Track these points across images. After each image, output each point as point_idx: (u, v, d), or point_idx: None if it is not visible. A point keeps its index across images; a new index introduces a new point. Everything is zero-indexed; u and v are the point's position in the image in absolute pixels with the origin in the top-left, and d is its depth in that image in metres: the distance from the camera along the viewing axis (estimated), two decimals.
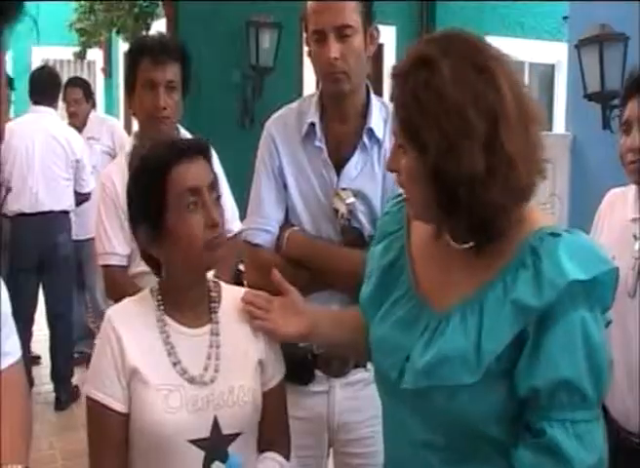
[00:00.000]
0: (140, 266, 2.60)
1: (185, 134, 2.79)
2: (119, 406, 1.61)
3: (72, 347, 5.37)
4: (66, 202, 5.03)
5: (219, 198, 1.66)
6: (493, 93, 1.27)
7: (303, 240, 2.19)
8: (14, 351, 1.51)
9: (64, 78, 6.13)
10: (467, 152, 1.25)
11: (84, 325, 5.81)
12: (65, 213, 5.03)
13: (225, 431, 1.62)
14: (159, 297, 1.70)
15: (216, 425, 1.61)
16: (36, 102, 5.08)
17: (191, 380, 1.62)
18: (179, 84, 2.63)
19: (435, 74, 1.26)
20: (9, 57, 11.78)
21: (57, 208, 4.97)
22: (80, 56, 9.52)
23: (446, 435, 1.36)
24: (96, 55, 10.78)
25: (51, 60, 11.03)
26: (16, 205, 4.90)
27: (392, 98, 1.35)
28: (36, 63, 11.64)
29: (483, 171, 1.25)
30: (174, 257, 1.66)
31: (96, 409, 1.63)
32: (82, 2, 8.70)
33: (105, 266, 2.66)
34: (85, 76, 7.54)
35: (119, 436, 1.62)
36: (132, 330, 1.64)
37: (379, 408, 2.17)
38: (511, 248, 1.32)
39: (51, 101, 5.11)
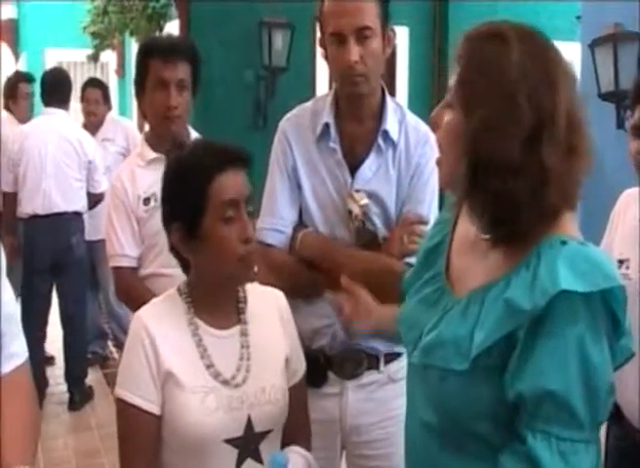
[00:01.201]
0: (151, 268, 2.62)
1: (194, 133, 2.79)
2: (153, 407, 1.61)
3: (86, 348, 5.39)
4: (79, 203, 5.04)
5: (251, 212, 1.67)
6: (549, 100, 1.28)
7: (316, 241, 2.18)
8: (20, 353, 1.51)
9: (79, 80, 6.15)
10: (507, 137, 1.26)
11: (97, 326, 5.83)
12: (79, 214, 5.04)
13: (257, 429, 1.65)
14: (188, 299, 1.70)
15: (249, 424, 1.64)
16: (48, 104, 5.09)
17: (225, 383, 1.64)
18: (189, 83, 2.63)
19: (504, 54, 1.29)
20: (23, 58, 11.89)
21: (70, 209, 4.98)
22: (93, 58, 9.56)
23: (440, 418, 1.38)
24: (109, 56, 10.83)
25: (64, 62, 11.08)
26: (29, 207, 4.92)
27: (457, 57, 1.36)
28: (50, 65, 11.73)
29: (517, 163, 1.26)
30: (207, 264, 1.67)
31: (128, 411, 1.62)
32: (95, 4, 8.73)
33: (116, 268, 2.66)
34: (99, 77, 7.55)
35: (151, 437, 1.63)
36: (164, 332, 1.64)
37: (392, 409, 2.18)
38: (525, 249, 1.32)
39: (62, 103, 5.12)
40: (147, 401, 1.61)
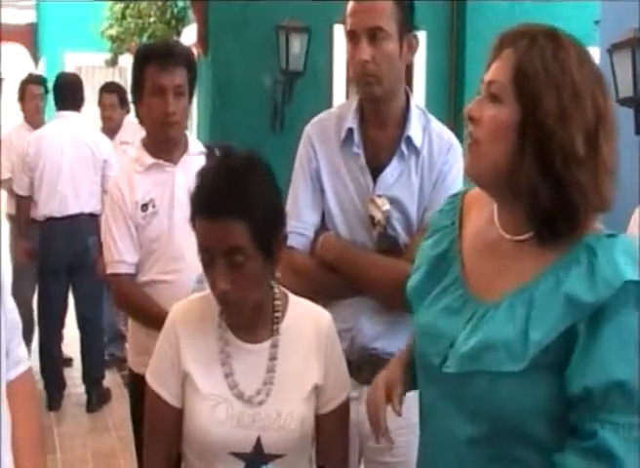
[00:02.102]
0: (150, 274, 2.61)
1: (193, 139, 2.79)
2: (173, 400, 1.65)
3: (102, 350, 5.41)
4: (95, 204, 5.06)
5: (241, 263, 1.54)
6: (602, 98, 1.35)
7: (337, 245, 2.19)
8: (24, 359, 1.54)
9: (97, 84, 6.17)
10: (575, 130, 1.31)
11: (114, 328, 5.85)
12: (94, 216, 5.04)
13: (267, 451, 1.62)
14: None
15: (258, 444, 1.61)
16: (61, 108, 5.12)
17: (240, 396, 1.62)
18: (186, 89, 2.63)
19: (562, 50, 1.35)
20: (42, 62, 11.95)
21: (85, 210, 5.00)
22: (111, 63, 9.61)
23: (485, 426, 1.37)
24: (127, 61, 10.88)
25: (83, 66, 11.14)
26: (46, 209, 4.95)
27: (498, 48, 1.40)
28: (69, 69, 11.79)
29: (581, 155, 1.31)
30: None
31: (152, 396, 1.67)
32: (113, 9, 8.77)
33: (113, 275, 2.65)
34: (117, 81, 7.59)
35: (171, 427, 1.65)
36: (191, 332, 1.65)
37: (411, 417, 2.18)
38: (566, 245, 1.35)
39: (75, 106, 5.14)
40: (169, 393, 1.65)
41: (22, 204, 5.07)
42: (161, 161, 2.65)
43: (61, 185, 4.95)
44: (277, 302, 1.70)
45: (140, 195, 2.61)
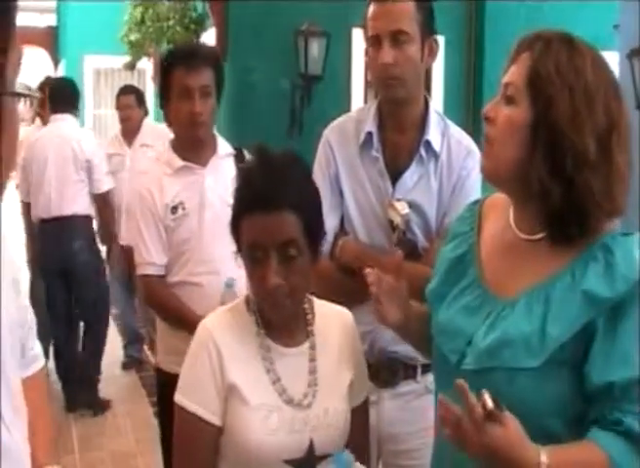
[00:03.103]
0: (179, 276, 2.65)
1: (222, 140, 2.81)
2: (214, 418, 1.59)
3: (101, 354, 5.25)
4: (79, 205, 5.00)
5: (294, 256, 1.55)
6: (616, 104, 1.38)
7: (356, 248, 2.20)
8: (39, 357, 1.56)
9: (116, 87, 6.20)
10: (587, 133, 1.34)
11: (133, 329, 5.89)
12: (82, 217, 5.01)
13: (318, 452, 1.61)
14: (255, 309, 1.66)
15: (311, 447, 1.60)
16: (54, 111, 5.12)
17: (289, 401, 1.60)
18: (213, 89, 2.66)
19: (577, 55, 1.38)
20: (62, 65, 12.04)
21: (70, 211, 4.95)
22: (130, 67, 9.66)
23: None
24: (146, 64, 10.94)
25: (102, 69, 11.22)
26: (36, 211, 4.97)
27: (516, 52, 1.44)
28: (88, 72, 11.88)
29: (593, 158, 1.34)
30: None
31: (187, 419, 1.60)
32: (133, 13, 8.82)
33: (143, 276, 2.69)
34: (135, 84, 7.64)
35: (209, 447, 1.60)
36: (231, 343, 1.61)
37: (429, 420, 2.18)
38: (581, 245, 1.38)
39: (68, 108, 5.14)
40: (208, 411, 1.58)
41: (24, 208, 5.12)
42: (190, 163, 2.68)
43: (46, 186, 4.93)
44: (306, 305, 1.71)
45: (169, 197, 2.64)
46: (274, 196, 1.54)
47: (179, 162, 2.68)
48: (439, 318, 1.56)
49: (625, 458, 1.31)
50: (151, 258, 2.65)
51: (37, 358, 1.55)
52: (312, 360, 1.66)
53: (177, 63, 2.62)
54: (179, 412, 1.62)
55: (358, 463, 1.64)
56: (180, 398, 1.62)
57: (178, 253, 2.65)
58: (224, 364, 1.59)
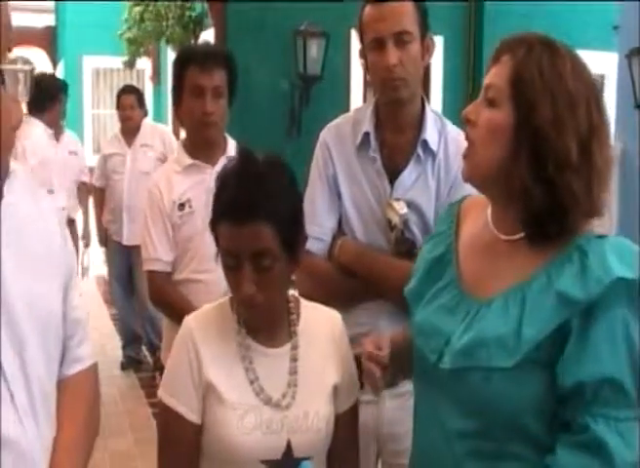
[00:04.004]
0: (185, 273, 2.66)
1: (231, 141, 2.82)
2: (193, 416, 1.59)
3: None
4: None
5: (268, 267, 1.53)
6: (596, 108, 1.39)
7: (355, 249, 2.20)
8: (85, 358, 1.52)
9: (115, 87, 6.19)
10: (569, 136, 1.35)
11: (131, 330, 5.88)
12: None
13: (297, 455, 1.60)
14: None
15: (288, 449, 1.59)
16: (29, 112, 5.12)
17: (267, 401, 1.59)
18: (225, 90, 2.66)
19: (559, 59, 1.39)
20: (60, 65, 12.05)
21: None
22: (129, 65, 9.66)
23: (480, 421, 1.40)
24: (145, 63, 10.95)
25: (101, 69, 11.23)
26: None
27: (499, 57, 1.44)
28: (87, 72, 11.89)
29: (574, 161, 1.35)
30: None
31: (168, 414, 1.61)
32: (131, 12, 8.83)
33: (149, 272, 2.71)
34: (134, 84, 7.65)
35: (190, 444, 1.60)
36: (210, 341, 1.61)
37: None
38: (558, 246, 1.39)
39: (38, 111, 5.13)
40: (187, 407, 1.59)
41: None
42: (199, 162, 2.70)
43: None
44: (291, 305, 1.70)
45: (177, 195, 2.65)
46: (249, 207, 1.51)
47: (188, 160, 2.70)
48: (417, 318, 1.56)
49: None
50: (157, 255, 2.66)
51: (80, 359, 1.51)
52: (294, 360, 1.65)
53: (190, 63, 2.64)
54: (161, 407, 1.63)
55: None
56: (162, 393, 1.63)
57: (184, 250, 2.67)
58: (202, 362, 1.58)
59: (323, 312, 1.77)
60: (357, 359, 2.15)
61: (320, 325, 1.72)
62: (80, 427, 1.47)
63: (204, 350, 1.59)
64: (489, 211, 1.52)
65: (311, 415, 1.62)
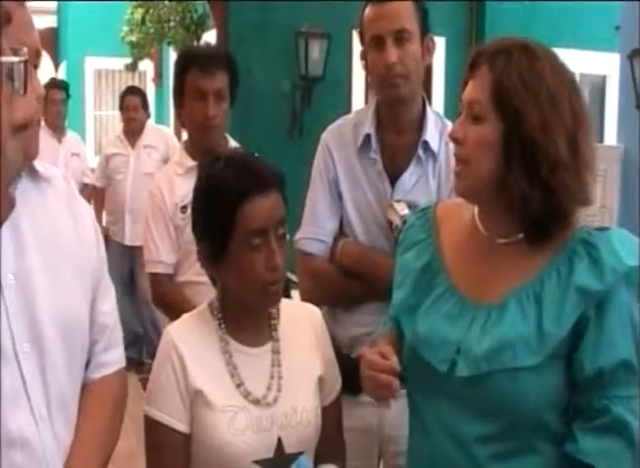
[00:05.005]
0: (187, 275, 2.65)
1: (233, 143, 2.82)
2: (181, 426, 1.58)
3: None
4: None
5: (284, 235, 1.60)
6: (577, 99, 1.42)
7: (357, 250, 2.20)
8: (111, 364, 1.52)
9: (117, 88, 6.20)
10: (557, 136, 1.37)
11: (132, 331, 5.88)
12: None
13: (288, 450, 1.61)
14: (219, 316, 1.66)
15: (279, 445, 1.60)
16: None
17: (255, 402, 1.60)
18: (227, 93, 2.66)
19: (537, 61, 1.41)
20: (62, 67, 12.05)
21: None
22: (131, 67, 9.67)
23: (501, 423, 1.41)
24: (147, 65, 10.96)
25: (103, 71, 11.23)
26: None
27: (473, 65, 1.46)
28: (89, 74, 11.90)
29: (565, 159, 1.37)
30: (231, 286, 1.64)
31: (155, 428, 1.60)
32: (133, 14, 8.83)
33: (152, 274, 2.71)
34: (136, 85, 7.65)
35: (179, 455, 1.59)
36: (194, 349, 1.61)
37: None
38: (557, 242, 1.42)
39: None
40: (175, 419, 1.58)
41: None
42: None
43: None
44: (272, 310, 1.70)
45: (179, 197, 2.64)
46: (268, 176, 1.58)
47: (189, 162, 2.69)
48: (419, 329, 1.53)
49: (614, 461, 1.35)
50: (159, 257, 2.66)
51: (106, 364, 1.51)
52: (276, 352, 1.66)
53: (192, 66, 2.63)
54: (148, 423, 1.61)
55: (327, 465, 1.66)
56: (147, 408, 1.61)
57: (186, 252, 2.66)
58: (188, 371, 1.58)
59: (301, 307, 1.80)
60: (356, 363, 2.16)
61: (300, 319, 1.74)
62: (99, 433, 1.47)
63: (188, 358, 1.59)
64: (475, 215, 1.53)
65: (299, 410, 1.63)
